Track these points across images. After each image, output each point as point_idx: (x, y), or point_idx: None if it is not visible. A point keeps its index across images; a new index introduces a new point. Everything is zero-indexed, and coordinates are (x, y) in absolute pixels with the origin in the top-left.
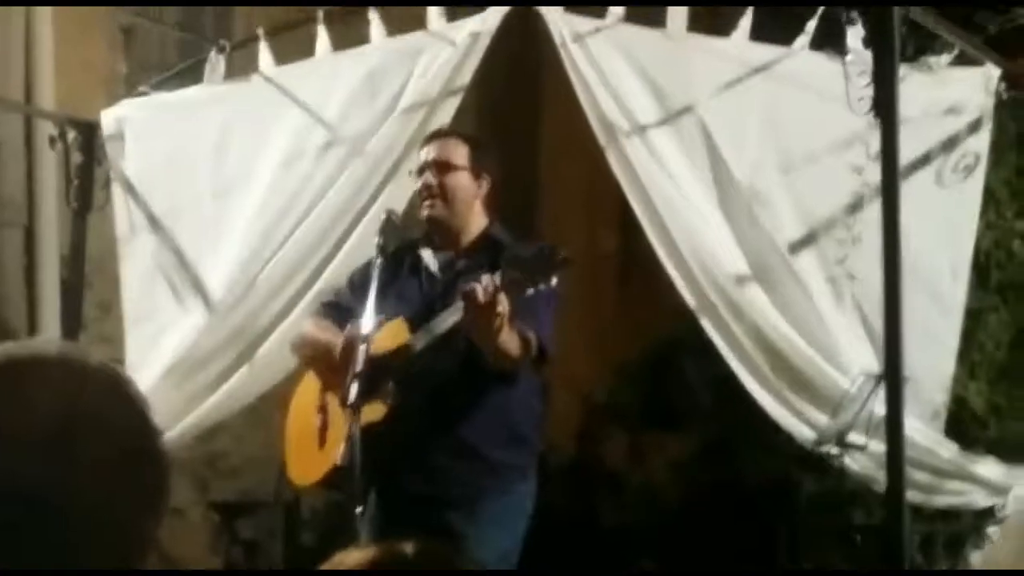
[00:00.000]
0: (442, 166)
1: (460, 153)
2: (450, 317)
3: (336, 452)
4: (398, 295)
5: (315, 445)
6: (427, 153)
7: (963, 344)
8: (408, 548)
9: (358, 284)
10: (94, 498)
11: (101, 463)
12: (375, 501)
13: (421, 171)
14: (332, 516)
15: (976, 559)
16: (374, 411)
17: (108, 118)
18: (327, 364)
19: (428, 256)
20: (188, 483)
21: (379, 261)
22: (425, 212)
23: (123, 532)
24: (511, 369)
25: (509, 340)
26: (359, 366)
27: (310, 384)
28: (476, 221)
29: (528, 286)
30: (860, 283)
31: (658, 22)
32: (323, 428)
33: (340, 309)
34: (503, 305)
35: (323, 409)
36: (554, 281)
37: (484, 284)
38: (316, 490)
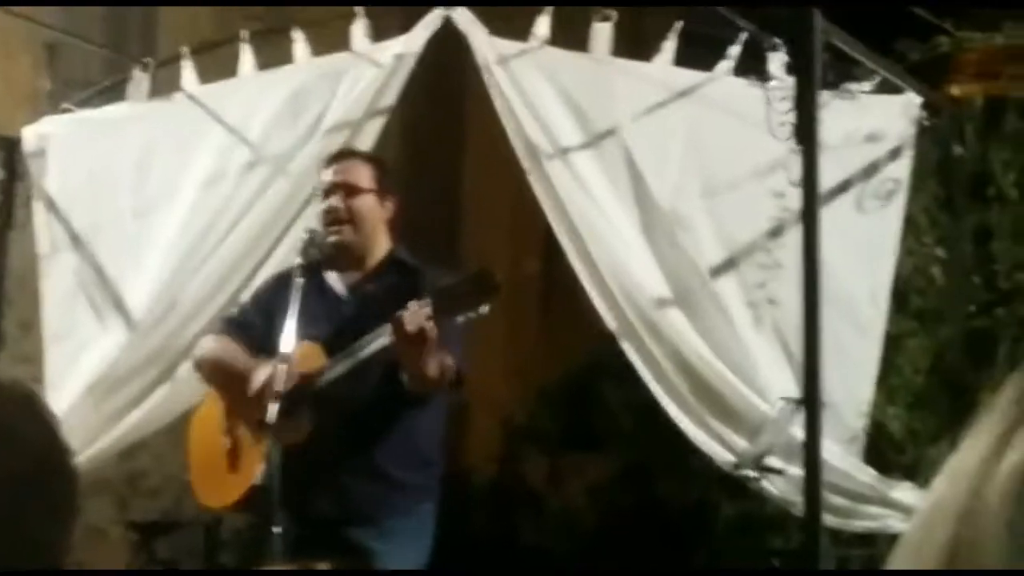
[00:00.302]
0: (349, 189)
1: (365, 175)
2: (374, 342)
3: (252, 474)
4: (305, 316)
5: (225, 468)
6: (332, 175)
7: (882, 369)
8: (322, 568)
9: (263, 301)
10: (2, 512)
11: (9, 478)
12: (288, 522)
13: (327, 193)
14: (252, 537)
15: None
16: (291, 433)
17: (30, 135)
18: (238, 387)
19: (333, 279)
20: (108, 502)
21: (300, 281)
22: (333, 238)
23: (31, 547)
24: (430, 393)
25: (434, 365)
26: (279, 386)
27: (212, 406)
28: (381, 243)
29: (462, 313)
30: (780, 308)
31: (582, 46)
32: (233, 451)
33: (244, 326)
34: (432, 332)
35: (231, 432)
36: (484, 310)
37: (414, 311)
38: (229, 513)
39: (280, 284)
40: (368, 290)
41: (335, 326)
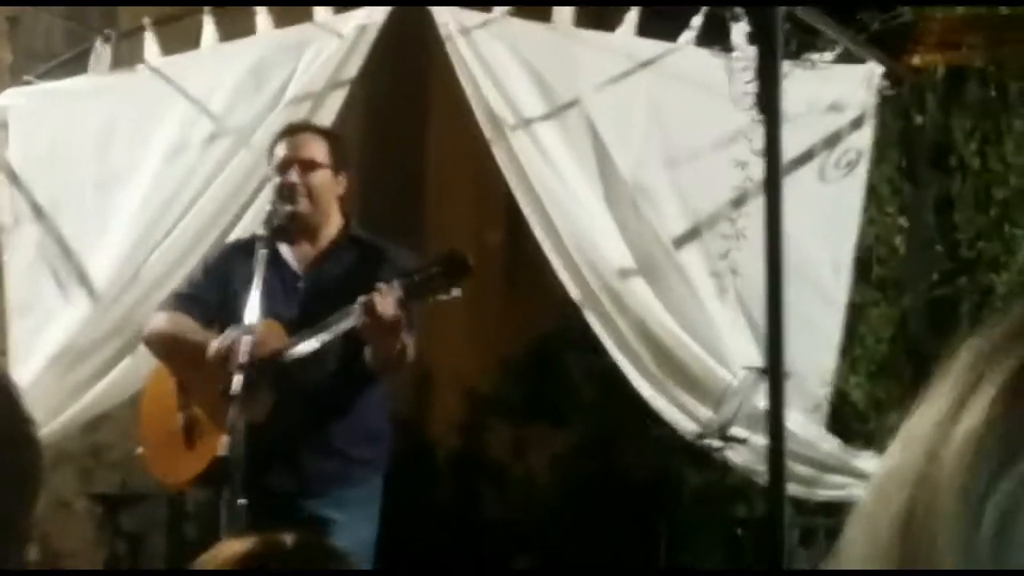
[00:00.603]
0: (305, 164)
1: (321, 150)
2: (340, 323)
3: (210, 449)
4: (261, 291)
5: (182, 444)
6: (287, 149)
7: (845, 338)
8: (287, 538)
9: (215, 272)
10: None
11: None
12: (248, 494)
13: (280, 169)
14: (216, 509)
15: None
16: (252, 410)
17: None
18: (195, 361)
19: (288, 254)
20: (72, 474)
21: (264, 253)
22: (288, 208)
23: None
24: (397, 371)
25: (408, 347)
26: (243, 358)
27: (163, 382)
28: (335, 219)
29: (432, 296)
30: (743, 278)
31: (545, 17)
32: (189, 427)
33: (195, 300)
34: (401, 316)
35: (185, 408)
36: (457, 292)
37: (384, 296)
38: (188, 488)
39: (232, 255)
40: (325, 267)
41: (293, 302)
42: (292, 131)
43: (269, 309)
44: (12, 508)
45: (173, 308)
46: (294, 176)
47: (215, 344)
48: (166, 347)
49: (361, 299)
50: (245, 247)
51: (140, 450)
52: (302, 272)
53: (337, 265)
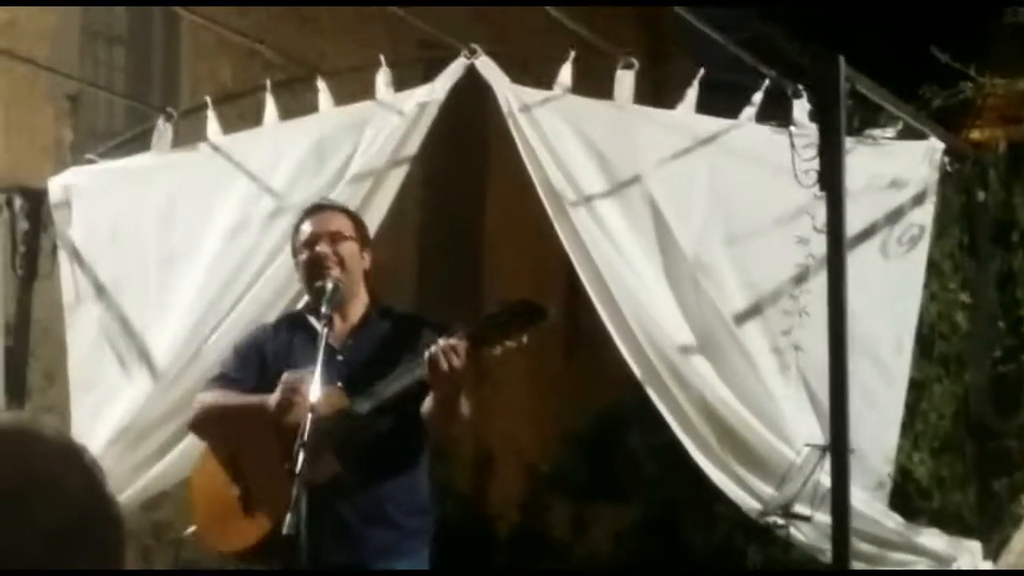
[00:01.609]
0: (334, 236)
1: (346, 224)
2: (404, 379)
3: (269, 518)
4: (301, 367)
5: (239, 514)
6: (313, 225)
7: (907, 415)
8: None
9: (251, 352)
10: (48, 564)
11: (55, 530)
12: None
13: (311, 243)
14: None
15: None
16: (315, 473)
17: (55, 185)
18: (247, 430)
19: (325, 330)
20: (132, 553)
21: (326, 331)
22: (322, 281)
23: None
24: (454, 431)
25: (464, 404)
26: (306, 436)
27: (211, 462)
28: (362, 295)
29: (505, 341)
30: (805, 354)
31: (606, 94)
32: (245, 496)
33: (235, 383)
34: (467, 366)
35: (239, 478)
36: (524, 339)
37: (450, 344)
38: (246, 558)
39: (263, 337)
40: (361, 339)
41: (334, 376)
42: (316, 209)
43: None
44: None
45: (212, 389)
46: (325, 247)
47: (275, 396)
48: (216, 421)
49: (431, 348)
50: (278, 326)
51: (192, 528)
52: (339, 346)
53: (373, 336)
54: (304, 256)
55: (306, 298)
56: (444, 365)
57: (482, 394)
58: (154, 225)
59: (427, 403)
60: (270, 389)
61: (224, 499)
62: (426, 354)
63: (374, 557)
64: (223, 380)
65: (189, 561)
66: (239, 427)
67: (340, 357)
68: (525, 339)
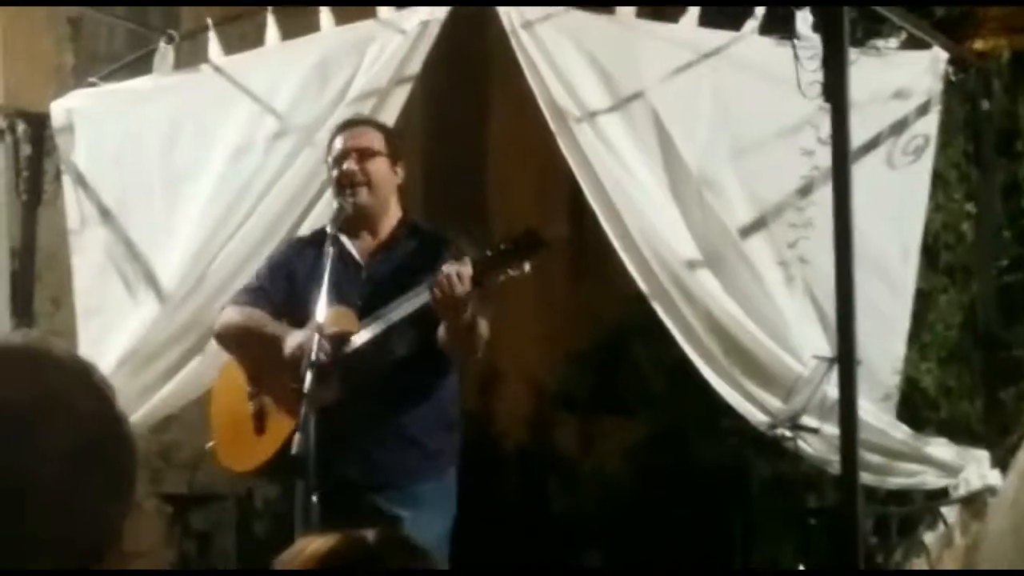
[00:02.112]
0: (363, 153)
1: (377, 139)
2: (409, 303)
3: (279, 436)
4: (329, 284)
5: (252, 432)
6: (344, 141)
7: (913, 326)
8: (369, 536)
9: (281, 266)
10: (62, 485)
11: (69, 450)
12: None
13: (340, 160)
14: (285, 507)
15: (930, 540)
16: (321, 396)
17: (57, 109)
18: (268, 353)
19: (349, 245)
20: (142, 475)
21: (332, 251)
22: (350, 200)
23: (91, 519)
24: (473, 352)
25: (481, 325)
26: (314, 356)
27: (233, 374)
28: (393, 210)
29: (507, 269)
30: (811, 266)
31: (608, 9)
32: (259, 415)
33: (264, 292)
34: (470, 289)
35: (256, 396)
36: (527, 267)
37: (456, 269)
38: (257, 475)
39: (298, 250)
40: (387, 257)
41: (356, 293)
42: (349, 125)
43: (335, 300)
44: (110, 506)
45: (243, 303)
46: (353, 164)
47: (292, 343)
48: (239, 340)
49: (435, 275)
50: (309, 242)
51: (211, 443)
52: (364, 262)
53: (399, 254)
54: (334, 172)
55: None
56: (447, 291)
57: (489, 315)
58: (157, 148)
59: (442, 327)
60: (297, 304)
61: (240, 416)
62: (431, 281)
63: (394, 477)
64: (253, 292)
65: (204, 485)
66: (258, 349)
67: (364, 274)
68: (528, 267)
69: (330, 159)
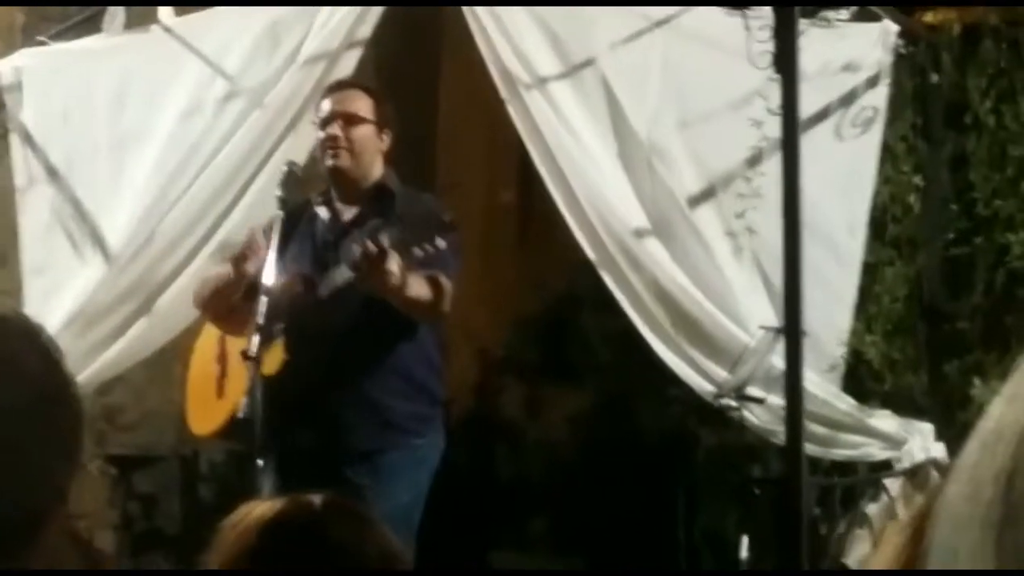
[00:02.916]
0: (348, 118)
1: (365, 105)
2: (340, 275)
3: (234, 402)
4: (296, 250)
5: (213, 394)
6: (331, 104)
7: (860, 297)
8: (316, 500)
9: (257, 236)
10: (8, 444)
11: (15, 410)
12: (273, 454)
13: (325, 122)
14: (230, 469)
15: (873, 511)
16: (273, 362)
17: (5, 68)
18: (226, 304)
19: (323, 211)
20: (86, 436)
21: (281, 215)
22: (330, 162)
23: (37, 478)
24: (430, 315)
25: (416, 289)
26: (261, 318)
27: (209, 333)
28: (376, 175)
29: (414, 247)
30: (759, 237)
31: None
32: (221, 377)
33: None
34: (393, 263)
35: (222, 358)
36: (441, 243)
37: (367, 248)
38: (213, 440)
39: (278, 217)
40: (349, 218)
41: (318, 257)
42: (338, 87)
43: (302, 266)
44: (56, 465)
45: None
46: (336, 129)
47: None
48: (207, 297)
49: (355, 251)
50: (290, 211)
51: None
52: (338, 227)
53: (359, 215)
54: (319, 135)
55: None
56: (358, 266)
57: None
58: (106, 108)
59: None
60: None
61: (206, 379)
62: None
63: (354, 445)
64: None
65: (140, 447)
66: (226, 304)
67: (328, 239)
68: (441, 244)
69: (316, 119)
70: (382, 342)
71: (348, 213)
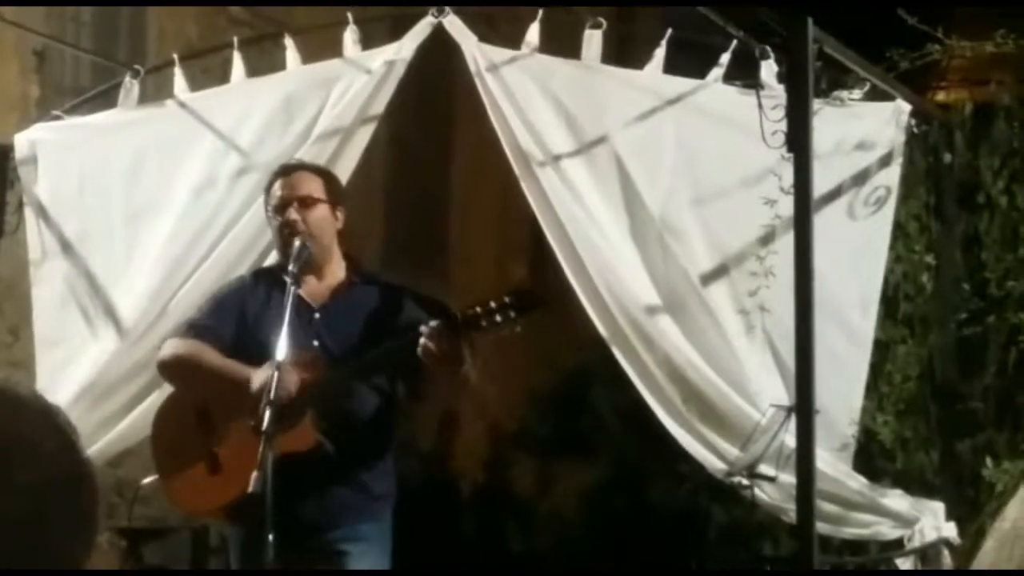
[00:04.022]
0: (303, 200)
1: (317, 186)
2: (388, 353)
3: (238, 479)
4: (273, 324)
5: (204, 471)
6: (283, 189)
7: (871, 376)
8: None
9: (229, 304)
10: (26, 524)
11: (33, 491)
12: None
13: (280, 208)
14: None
15: None
16: (303, 441)
17: (21, 141)
18: (216, 389)
19: (303, 292)
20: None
21: (294, 289)
22: (300, 244)
23: (54, 557)
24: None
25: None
26: (272, 394)
27: (178, 405)
28: (336, 254)
29: (494, 329)
30: (771, 315)
31: (573, 54)
32: (212, 455)
33: (211, 331)
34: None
35: (208, 433)
36: (518, 327)
37: (442, 328)
38: (210, 517)
39: (248, 288)
40: (340, 302)
41: (310, 336)
42: (286, 171)
43: (300, 344)
44: (71, 544)
45: (191, 337)
46: (293, 214)
47: (258, 380)
48: (188, 372)
49: (423, 328)
50: (258, 280)
51: (150, 480)
52: (316, 306)
53: (354, 301)
54: (275, 222)
55: (274, 255)
56: (435, 347)
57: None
58: (120, 182)
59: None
60: (249, 343)
61: (189, 453)
62: (420, 337)
63: (342, 518)
64: (201, 328)
65: (141, 516)
66: (207, 383)
67: (317, 315)
68: (519, 328)
69: (270, 207)
70: (376, 426)
71: (331, 293)
